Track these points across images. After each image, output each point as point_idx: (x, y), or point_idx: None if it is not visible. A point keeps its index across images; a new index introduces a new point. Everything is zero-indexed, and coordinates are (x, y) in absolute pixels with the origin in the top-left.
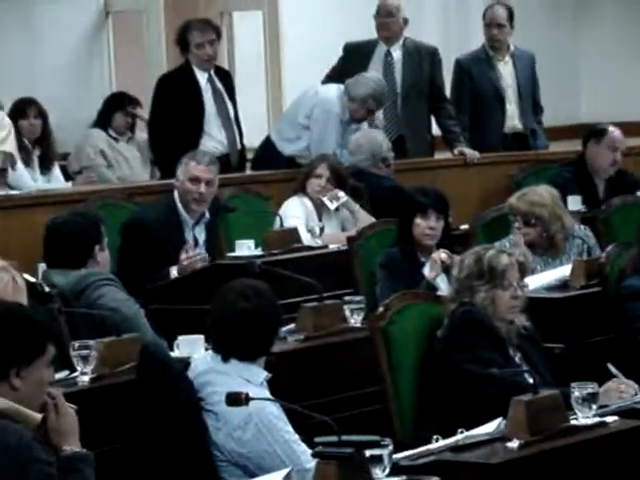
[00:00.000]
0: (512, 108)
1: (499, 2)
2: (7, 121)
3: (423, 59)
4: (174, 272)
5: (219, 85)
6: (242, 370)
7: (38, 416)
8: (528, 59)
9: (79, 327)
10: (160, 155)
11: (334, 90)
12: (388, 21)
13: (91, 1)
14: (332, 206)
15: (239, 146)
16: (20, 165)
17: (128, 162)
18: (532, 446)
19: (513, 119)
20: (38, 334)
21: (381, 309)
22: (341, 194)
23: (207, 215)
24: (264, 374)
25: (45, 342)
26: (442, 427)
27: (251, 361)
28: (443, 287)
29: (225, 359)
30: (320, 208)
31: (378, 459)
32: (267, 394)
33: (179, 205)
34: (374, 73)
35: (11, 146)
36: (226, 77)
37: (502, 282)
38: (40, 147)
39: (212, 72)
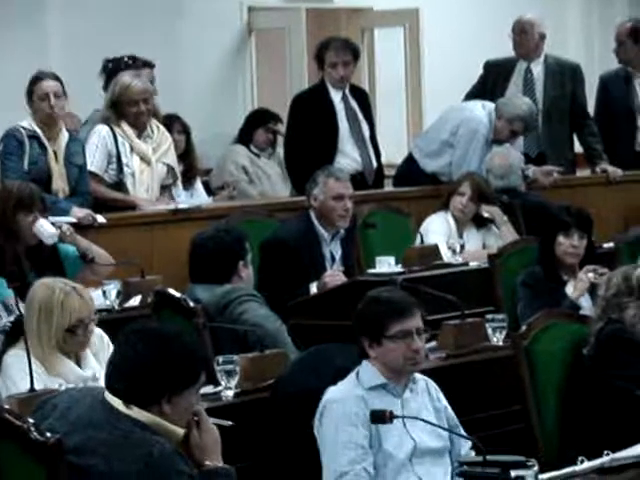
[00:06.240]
0: None
1: (631, 19)
2: (167, 135)
3: (565, 76)
4: (314, 288)
5: (353, 104)
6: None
7: (181, 431)
8: None
9: (222, 342)
10: (295, 172)
11: (480, 108)
12: (522, 38)
13: (234, 19)
14: (486, 214)
15: (374, 165)
16: None
17: (269, 178)
18: None
19: None
20: (194, 364)
21: (524, 328)
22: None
23: (341, 231)
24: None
25: (199, 372)
26: (587, 447)
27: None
28: (586, 306)
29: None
30: (462, 225)
31: None
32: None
33: (316, 222)
34: (527, 98)
35: (172, 160)
36: (361, 96)
37: None
38: (183, 163)
39: (347, 91)
